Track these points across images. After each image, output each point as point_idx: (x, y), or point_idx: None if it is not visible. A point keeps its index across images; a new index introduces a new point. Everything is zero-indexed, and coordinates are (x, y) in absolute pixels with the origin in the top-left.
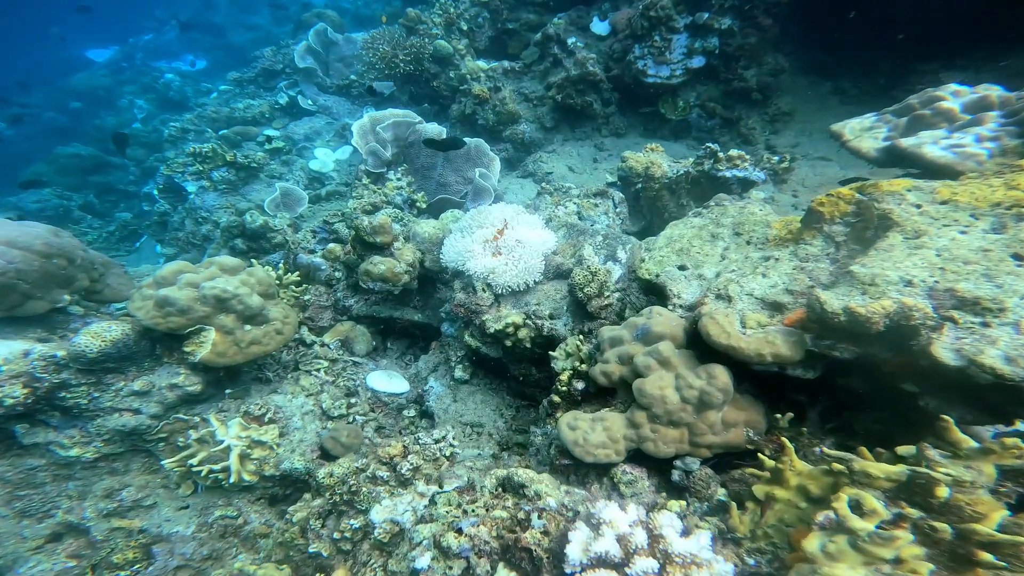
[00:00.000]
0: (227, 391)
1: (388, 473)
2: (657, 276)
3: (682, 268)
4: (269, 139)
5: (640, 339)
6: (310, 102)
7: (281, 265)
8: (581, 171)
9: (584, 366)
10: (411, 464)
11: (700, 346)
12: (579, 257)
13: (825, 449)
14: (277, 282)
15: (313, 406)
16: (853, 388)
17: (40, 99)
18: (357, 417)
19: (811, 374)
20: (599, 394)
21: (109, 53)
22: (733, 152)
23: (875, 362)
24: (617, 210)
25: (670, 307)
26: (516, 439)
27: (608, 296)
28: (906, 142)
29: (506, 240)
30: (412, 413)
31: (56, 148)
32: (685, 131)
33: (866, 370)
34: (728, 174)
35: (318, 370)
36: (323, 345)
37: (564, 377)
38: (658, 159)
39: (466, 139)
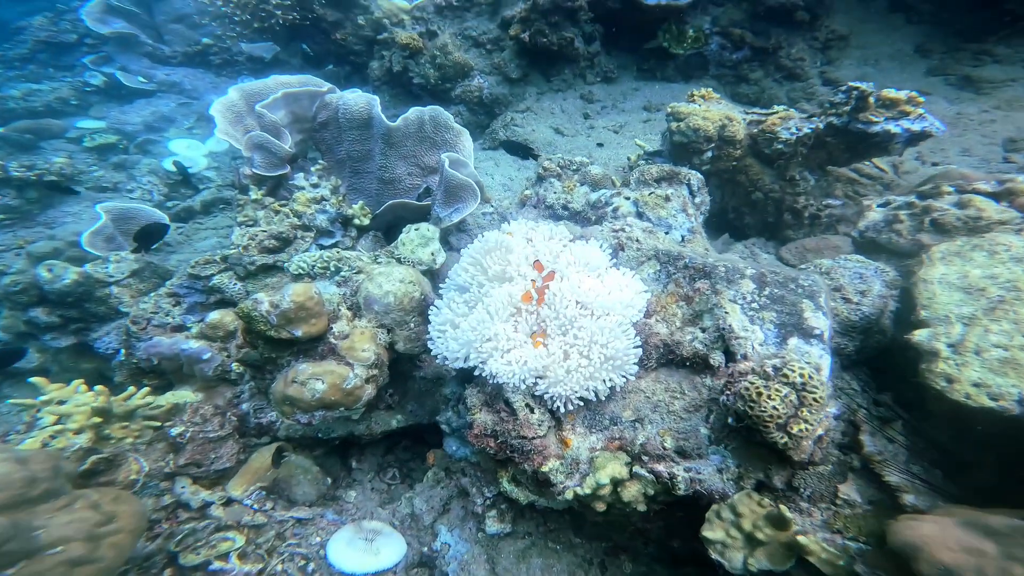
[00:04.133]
0: None
1: None
2: None
3: None
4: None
5: None
6: (141, 79)
7: (118, 368)
8: (572, 133)
9: None
10: None
11: None
12: (720, 329)
13: None
14: (97, 419)
15: None
16: None
17: None
18: None
19: None
20: None
21: None
22: (896, 93)
23: None
24: (696, 201)
25: None
26: None
27: (822, 418)
28: None
29: (554, 304)
30: None
31: None
32: (699, 68)
33: None
34: (894, 127)
35: (224, 557)
36: (228, 503)
37: None
38: (732, 112)
39: (417, 108)
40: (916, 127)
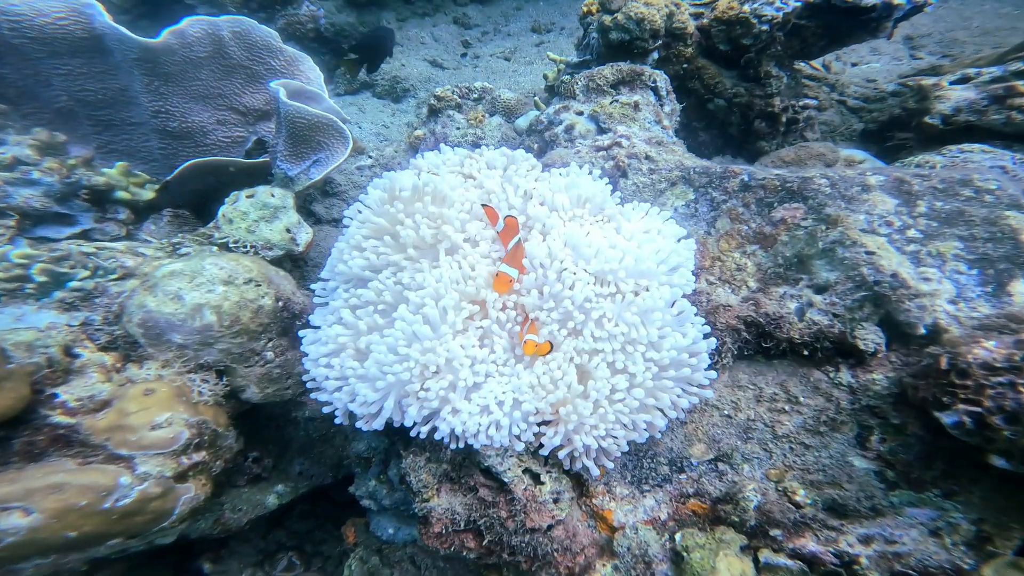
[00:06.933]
0: None
1: None
2: None
3: None
4: None
5: None
6: None
7: None
8: (454, 65)
9: None
10: None
11: None
12: (866, 283)
13: None
14: None
15: None
16: None
17: None
18: None
19: None
20: None
21: None
22: None
23: None
24: (667, 110)
25: None
26: None
27: None
28: None
29: (547, 283)
30: None
31: None
32: None
33: None
34: None
35: None
36: None
37: None
38: None
39: (204, 19)
40: None
